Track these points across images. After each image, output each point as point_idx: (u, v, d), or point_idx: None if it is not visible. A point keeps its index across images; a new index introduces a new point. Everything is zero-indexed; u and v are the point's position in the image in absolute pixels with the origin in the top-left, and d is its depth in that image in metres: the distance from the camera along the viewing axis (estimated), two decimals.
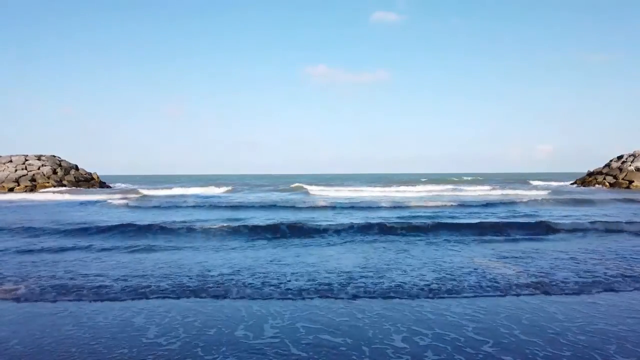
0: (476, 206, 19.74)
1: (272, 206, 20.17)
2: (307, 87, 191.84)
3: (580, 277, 6.81)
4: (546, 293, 6.00)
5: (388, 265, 7.79)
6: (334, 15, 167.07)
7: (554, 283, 6.45)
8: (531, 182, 51.63)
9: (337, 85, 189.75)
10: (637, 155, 38.52)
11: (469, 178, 65.50)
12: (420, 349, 4.11)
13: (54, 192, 31.96)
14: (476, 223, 12.79)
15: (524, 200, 22.40)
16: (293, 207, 19.57)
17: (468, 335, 4.43)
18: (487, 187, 36.58)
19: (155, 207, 20.45)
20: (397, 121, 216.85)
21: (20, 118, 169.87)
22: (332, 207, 19.44)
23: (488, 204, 20.55)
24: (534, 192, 29.59)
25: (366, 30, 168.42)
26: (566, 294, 5.98)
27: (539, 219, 13.77)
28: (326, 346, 4.17)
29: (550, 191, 30.76)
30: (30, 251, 9.24)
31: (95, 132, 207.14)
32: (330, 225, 12.42)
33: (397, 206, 19.97)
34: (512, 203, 21.28)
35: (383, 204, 20.54)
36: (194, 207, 20.46)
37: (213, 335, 4.48)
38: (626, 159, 38.99)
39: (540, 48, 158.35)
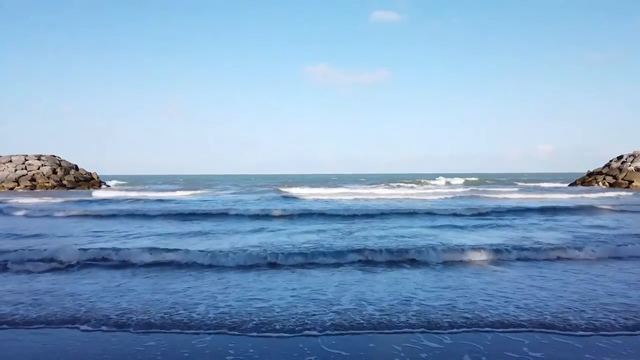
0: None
1: (204, 214, 16.40)
2: (307, 85, 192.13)
3: None
4: None
5: None
6: (334, 14, 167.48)
7: None
8: (517, 183, 51.71)
9: (337, 83, 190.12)
10: (637, 155, 38.96)
11: (475, 178, 65.85)
12: None
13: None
14: None
15: (609, 207, 17.84)
16: (222, 215, 16.15)
17: None
18: (511, 189, 32.84)
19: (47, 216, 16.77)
20: (397, 120, 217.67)
21: (20, 116, 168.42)
22: (288, 216, 15.69)
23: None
24: (596, 195, 26.10)
25: (366, 29, 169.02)
26: None
27: None
28: None
29: (606, 195, 25.96)
30: None
31: (95, 131, 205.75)
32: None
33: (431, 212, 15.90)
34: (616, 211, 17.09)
35: (385, 210, 16.39)
36: (104, 216, 16.41)
37: None
38: (626, 159, 39.42)
39: (540, 47, 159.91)
